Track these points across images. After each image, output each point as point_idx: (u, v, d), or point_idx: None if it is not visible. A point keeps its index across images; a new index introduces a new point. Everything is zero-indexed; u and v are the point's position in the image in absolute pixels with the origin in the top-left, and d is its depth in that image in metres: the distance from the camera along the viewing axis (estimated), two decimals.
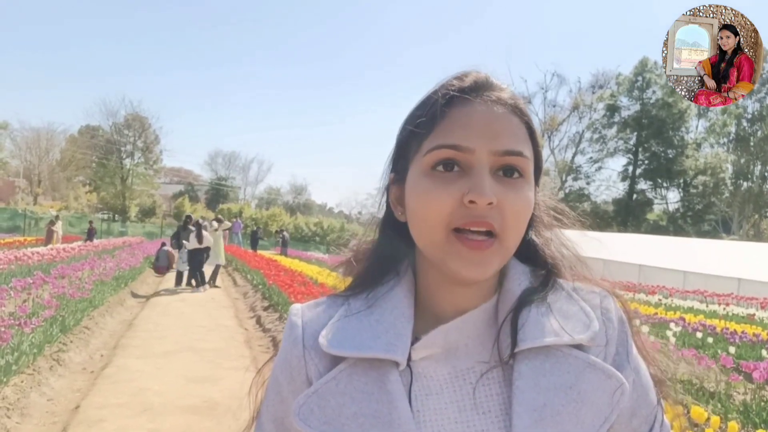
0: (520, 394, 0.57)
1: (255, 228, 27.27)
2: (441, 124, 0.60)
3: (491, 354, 0.62)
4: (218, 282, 13.02)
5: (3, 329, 4.48)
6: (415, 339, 0.62)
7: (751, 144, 43.52)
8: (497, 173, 0.59)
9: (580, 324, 0.61)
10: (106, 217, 42.26)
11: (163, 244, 14.82)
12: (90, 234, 21.09)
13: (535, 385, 0.58)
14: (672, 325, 7.22)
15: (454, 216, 0.58)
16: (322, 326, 0.65)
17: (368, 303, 0.65)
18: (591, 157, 50.62)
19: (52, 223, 18.11)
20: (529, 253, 0.68)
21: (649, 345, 0.68)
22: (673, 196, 49.33)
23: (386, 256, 0.69)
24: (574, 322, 0.61)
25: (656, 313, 9.01)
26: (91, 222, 23.48)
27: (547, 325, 0.60)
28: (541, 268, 0.67)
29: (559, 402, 0.57)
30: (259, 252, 21.59)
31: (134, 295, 10.43)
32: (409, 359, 0.61)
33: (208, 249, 11.96)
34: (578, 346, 0.61)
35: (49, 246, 14.57)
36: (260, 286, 11.80)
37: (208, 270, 12.37)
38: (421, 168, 0.61)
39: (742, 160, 44.90)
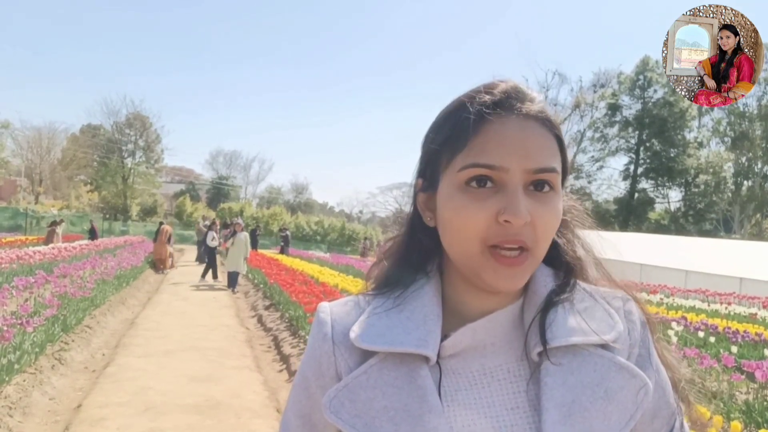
0: (548, 391, 0.59)
1: (255, 226, 27.23)
2: (474, 140, 0.60)
3: (520, 353, 0.63)
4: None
5: (5, 328, 4.49)
6: (444, 337, 0.63)
7: (750, 141, 43.38)
8: (528, 188, 0.60)
9: (606, 325, 0.63)
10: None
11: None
12: (92, 233, 21.05)
13: (563, 382, 0.59)
14: (674, 324, 7.21)
15: (489, 233, 0.59)
16: (350, 323, 0.66)
17: (397, 302, 0.66)
18: (592, 156, 50.50)
19: (54, 224, 18.10)
20: (552, 254, 0.68)
21: (667, 349, 0.69)
22: (675, 195, 49.31)
23: (415, 257, 0.70)
24: (600, 323, 0.63)
25: (658, 313, 8.99)
26: (92, 221, 23.46)
27: (573, 325, 0.62)
28: (564, 270, 0.68)
29: (587, 399, 0.59)
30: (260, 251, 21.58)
31: (139, 289, 10.45)
32: (438, 356, 0.62)
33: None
34: (603, 346, 0.62)
35: (50, 245, 14.58)
36: (261, 286, 11.82)
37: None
38: (454, 182, 0.62)
39: (744, 159, 44.80)
